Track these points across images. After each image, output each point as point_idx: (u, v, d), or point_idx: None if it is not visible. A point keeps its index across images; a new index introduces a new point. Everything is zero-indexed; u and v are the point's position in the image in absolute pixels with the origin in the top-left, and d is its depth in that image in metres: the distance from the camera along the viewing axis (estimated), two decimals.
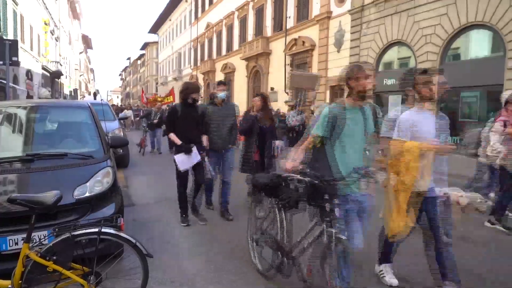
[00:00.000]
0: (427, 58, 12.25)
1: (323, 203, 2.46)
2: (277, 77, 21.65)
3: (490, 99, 10.89)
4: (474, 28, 11.10)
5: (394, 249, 3.14)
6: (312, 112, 12.11)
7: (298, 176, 2.65)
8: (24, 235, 2.27)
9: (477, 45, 11.26)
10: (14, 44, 10.90)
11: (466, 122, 11.46)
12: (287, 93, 20.70)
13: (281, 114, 14.36)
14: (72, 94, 40.56)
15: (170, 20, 46.49)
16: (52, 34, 28.84)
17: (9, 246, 2.67)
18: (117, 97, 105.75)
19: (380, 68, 14.67)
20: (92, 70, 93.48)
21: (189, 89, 4.56)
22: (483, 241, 4.25)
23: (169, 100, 21.23)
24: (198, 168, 4.56)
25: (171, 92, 22.25)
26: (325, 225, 2.46)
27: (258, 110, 5.24)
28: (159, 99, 23.57)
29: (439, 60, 11.91)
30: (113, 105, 28.08)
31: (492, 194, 5.56)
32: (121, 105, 43.30)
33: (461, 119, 11.63)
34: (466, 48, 11.61)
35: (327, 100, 17.61)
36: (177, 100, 27.26)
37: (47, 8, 26.50)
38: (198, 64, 36.19)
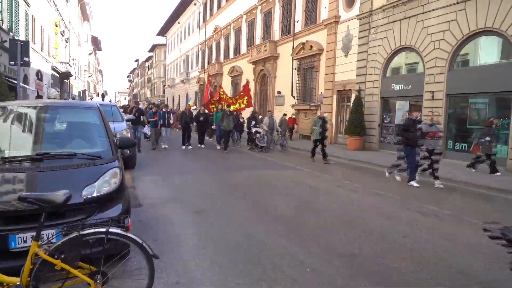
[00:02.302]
0: (435, 64, 12.19)
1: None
2: (284, 81, 21.69)
3: (499, 106, 10.80)
4: (483, 35, 11.03)
5: None
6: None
7: None
8: (33, 233, 2.29)
9: (486, 52, 11.18)
10: (25, 44, 11.08)
11: (474, 128, 11.38)
12: (293, 97, 20.71)
13: None
14: (81, 95, 41.01)
15: (178, 23, 46.82)
16: (62, 35, 29.19)
17: (18, 244, 2.70)
18: (125, 98, 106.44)
19: (388, 74, 14.62)
20: (100, 72, 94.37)
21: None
22: (491, 249, 4.20)
23: (244, 104, 16.20)
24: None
25: (246, 90, 16.52)
26: None
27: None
28: (223, 96, 16.78)
29: (447, 66, 11.85)
30: (127, 105, 20.93)
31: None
32: (133, 103, 37.54)
33: (469, 125, 11.55)
34: (475, 55, 11.53)
35: (334, 104, 17.59)
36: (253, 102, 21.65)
37: (58, 10, 26.85)
38: (206, 67, 36.37)
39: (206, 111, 15.90)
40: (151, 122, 13.64)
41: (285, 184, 7.71)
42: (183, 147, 14.23)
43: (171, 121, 14.21)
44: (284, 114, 16.91)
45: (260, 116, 17.53)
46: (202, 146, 14.82)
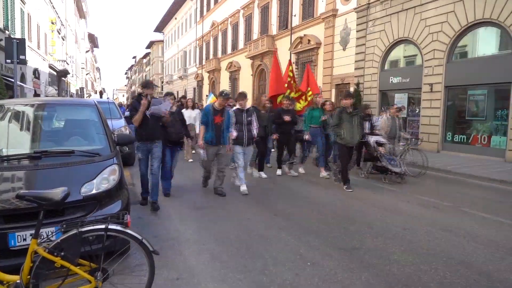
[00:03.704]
0: (433, 56, 12.16)
1: None
2: None
3: (498, 97, 10.79)
4: (481, 26, 10.99)
5: None
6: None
7: None
8: (32, 231, 2.28)
9: (485, 43, 11.15)
10: (21, 43, 11.00)
11: (473, 120, 11.37)
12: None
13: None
14: (79, 92, 40.90)
15: (175, 18, 46.59)
16: (59, 33, 29.03)
17: (18, 242, 2.70)
18: (123, 95, 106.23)
19: (386, 67, 14.58)
20: (98, 69, 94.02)
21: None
22: (491, 240, 4.21)
23: (307, 101, 9.41)
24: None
25: (310, 79, 9.99)
26: None
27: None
28: (289, 79, 9.61)
29: (446, 58, 11.82)
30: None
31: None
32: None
33: (468, 117, 11.54)
34: (473, 46, 11.50)
35: (333, 98, 17.57)
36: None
37: (54, 7, 26.68)
38: (204, 62, 36.25)
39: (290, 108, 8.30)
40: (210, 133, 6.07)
41: None
42: (278, 171, 8.13)
43: (272, 137, 7.83)
44: (399, 109, 8.98)
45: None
46: (294, 173, 8.09)
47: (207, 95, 25.22)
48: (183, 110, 7.65)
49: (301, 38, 19.59)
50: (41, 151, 3.25)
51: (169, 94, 6.05)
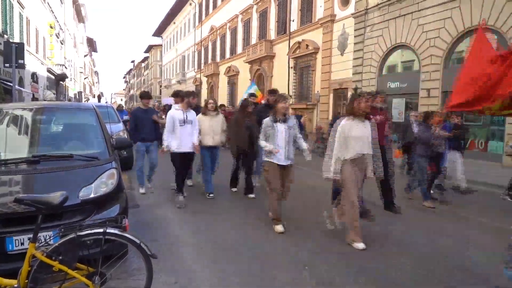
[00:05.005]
0: (431, 61, 12.24)
1: None
2: (280, 80, 21.70)
3: None
4: None
5: None
6: None
7: None
8: (30, 235, 2.29)
9: None
10: (20, 47, 10.99)
11: (470, 125, 11.42)
12: (290, 96, 20.71)
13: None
14: (77, 96, 40.85)
15: (174, 23, 46.75)
16: (57, 37, 29.07)
17: (15, 246, 2.69)
18: (121, 99, 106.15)
19: (384, 72, 14.66)
20: (96, 73, 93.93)
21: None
22: (487, 244, 4.23)
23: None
24: None
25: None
26: None
27: None
28: None
29: (443, 64, 11.90)
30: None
31: None
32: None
33: (465, 122, 11.58)
34: None
35: (331, 103, 17.62)
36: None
37: (52, 11, 26.74)
38: (202, 67, 36.34)
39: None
40: None
41: None
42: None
43: None
44: None
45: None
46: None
47: (250, 83, 18.25)
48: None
49: (299, 43, 19.69)
50: (39, 155, 3.25)
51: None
